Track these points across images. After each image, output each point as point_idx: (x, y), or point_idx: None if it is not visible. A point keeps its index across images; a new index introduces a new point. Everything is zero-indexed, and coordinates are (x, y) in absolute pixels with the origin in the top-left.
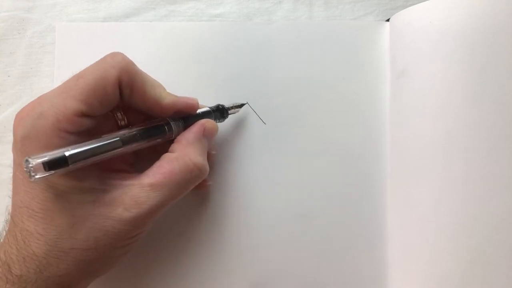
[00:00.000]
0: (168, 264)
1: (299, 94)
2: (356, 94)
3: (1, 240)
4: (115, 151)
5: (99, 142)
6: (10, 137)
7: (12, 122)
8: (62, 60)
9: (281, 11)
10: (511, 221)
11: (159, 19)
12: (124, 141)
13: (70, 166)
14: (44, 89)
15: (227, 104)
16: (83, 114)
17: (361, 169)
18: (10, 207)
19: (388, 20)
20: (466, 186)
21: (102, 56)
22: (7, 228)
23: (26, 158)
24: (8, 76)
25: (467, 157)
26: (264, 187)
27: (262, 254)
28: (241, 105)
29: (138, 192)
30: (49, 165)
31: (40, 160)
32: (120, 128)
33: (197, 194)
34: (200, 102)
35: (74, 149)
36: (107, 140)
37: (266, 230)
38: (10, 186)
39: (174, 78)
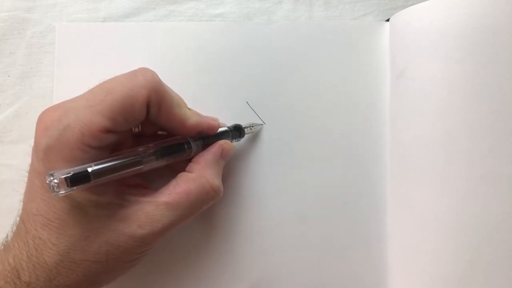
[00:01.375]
0: (167, 264)
1: (299, 94)
2: (356, 94)
3: (7, 243)
4: (135, 168)
5: (121, 160)
6: (10, 137)
7: (12, 122)
8: (62, 60)
9: (281, 11)
10: (511, 221)
11: (159, 19)
12: (145, 160)
13: (91, 182)
14: (44, 89)
15: (244, 123)
16: (108, 130)
17: (361, 169)
18: (20, 211)
19: (388, 20)
20: (466, 186)
21: (102, 56)
22: (16, 230)
23: (51, 172)
24: (8, 76)
25: (467, 157)
26: (263, 188)
27: (262, 254)
28: (258, 125)
29: (153, 210)
30: (72, 181)
31: (64, 176)
32: (134, 135)
33: None
34: (200, 102)
35: (97, 165)
36: (128, 158)
37: (266, 230)
38: (11, 186)
39: (174, 78)
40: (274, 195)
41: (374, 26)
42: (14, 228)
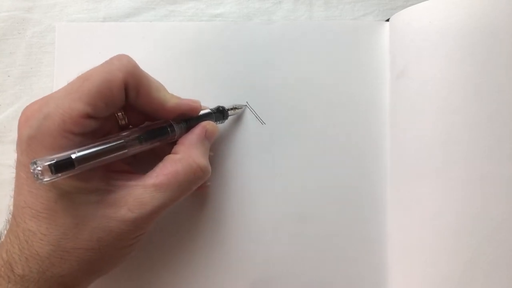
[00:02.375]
0: (168, 264)
1: (299, 94)
2: (356, 94)
3: (2, 239)
4: (120, 153)
5: (105, 145)
6: (10, 137)
7: (12, 122)
8: (62, 60)
9: (281, 11)
10: (511, 221)
11: (159, 19)
12: (129, 144)
13: (76, 168)
14: (44, 89)
15: (227, 105)
16: (89, 116)
17: (361, 169)
18: (11, 206)
19: (388, 20)
20: (466, 186)
21: (102, 56)
22: (8, 227)
23: (34, 160)
24: (8, 76)
25: (467, 157)
26: (263, 187)
27: (262, 254)
28: (241, 107)
29: (141, 193)
30: (56, 168)
31: (47, 163)
32: (121, 127)
33: (196, 194)
34: (201, 102)
35: (80, 151)
36: (112, 143)
37: (265, 230)
38: (11, 186)
39: (174, 77)
40: (274, 195)
41: (374, 26)
42: (7, 224)
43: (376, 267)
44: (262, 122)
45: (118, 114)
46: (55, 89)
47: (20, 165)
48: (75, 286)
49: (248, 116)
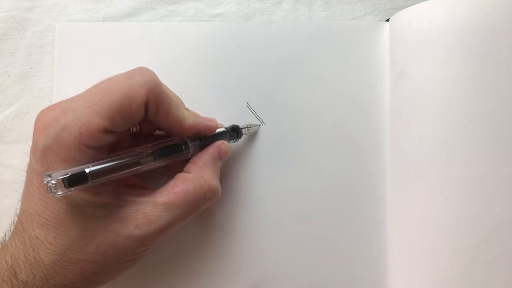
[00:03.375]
0: (167, 265)
1: (299, 94)
2: (356, 94)
3: (5, 242)
4: (133, 169)
5: (119, 161)
6: (10, 137)
7: (12, 122)
8: (62, 60)
9: (281, 11)
10: (511, 221)
11: (159, 19)
12: (143, 161)
13: (89, 183)
14: (44, 89)
15: (241, 124)
16: (106, 130)
17: (361, 169)
18: (18, 210)
19: (388, 20)
20: (466, 186)
21: (102, 56)
22: (13, 229)
23: (48, 173)
24: (8, 76)
25: (467, 157)
26: (263, 187)
27: (261, 254)
28: (255, 125)
29: (151, 210)
30: (70, 183)
31: (61, 177)
32: (132, 134)
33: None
34: (200, 102)
35: (95, 166)
36: (126, 159)
37: (265, 230)
38: (11, 186)
39: (174, 77)
40: (274, 195)
41: (374, 26)
42: (12, 227)
43: (376, 267)
44: (262, 122)
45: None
46: (55, 89)
47: (33, 172)
48: None
49: (248, 116)
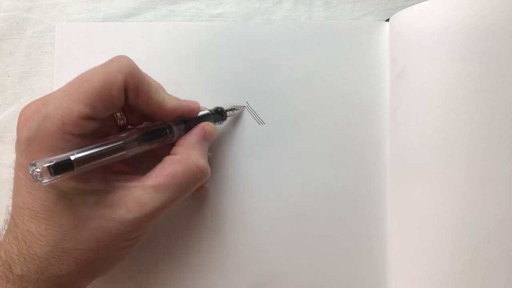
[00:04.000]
0: (167, 265)
1: (299, 94)
2: (356, 94)
3: (1, 239)
4: (119, 154)
5: (104, 146)
6: (10, 137)
7: (12, 122)
8: (62, 60)
9: (280, 11)
10: (511, 221)
11: (159, 19)
12: (128, 145)
13: (75, 170)
14: (44, 89)
15: (225, 106)
16: (88, 117)
17: (361, 169)
18: (10, 207)
19: (388, 20)
20: (466, 186)
21: (102, 56)
22: (7, 227)
23: (33, 162)
24: (8, 76)
25: (467, 157)
26: (263, 187)
27: (261, 254)
28: (239, 107)
29: (140, 194)
30: (55, 170)
31: (46, 165)
32: (120, 127)
33: (195, 196)
34: (200, 102)
35: (79, 153)
36: (111, 144)
37: (265, 230)
38: (10, 186)
39: (174, 78)
40: (274, 195)
41: (374, 26)
42: (6, 225)
43: (376, 267)
44: (262, 122)
45: (117, 114)
46: (55, 89)
47: (19, 166)
48: (73, 286)
49: (247, 116)
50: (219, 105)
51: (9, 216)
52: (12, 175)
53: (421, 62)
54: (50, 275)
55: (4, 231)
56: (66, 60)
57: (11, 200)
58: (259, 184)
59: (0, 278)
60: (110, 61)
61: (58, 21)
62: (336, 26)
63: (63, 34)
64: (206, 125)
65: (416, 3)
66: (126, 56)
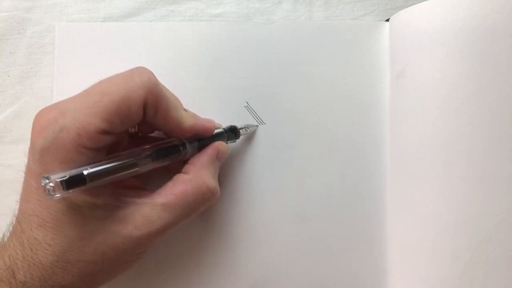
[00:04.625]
0: (167, 264)
1: (299, 94)
2: (356, 94)
3: (4, 242)
4: (131, 171)
5: (117, 162)
6: (10, 137)
7: (12, 122)
8: (62, 60)
9: (280, 11)
10: (511, 221)
11: (159, 19)
12: (141, 162)
13: (87, 185)
14: (44, 89)
15: (239, 124)
16: (104, 132)
17: (361, 169)
18: (16, 211)
19: (388, 20)
20: (466, 186)
21: (102, 56)
22: (12, 230)
23: (46, 175)
24: (8, 76)
25: (467, 157)
26: (263, 187)
27: (261, 254)
28: (253, 126)
29: (149, 211)
30: (68, 185)
31: (59, 179)
32: (130, 135)
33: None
34: (200, 102)
35: (93, 168)
36: (124, 161)
37: (265, 230)
38: (11, 186)
39: (174, 77)
40: (274, 195)
41: (374, 26)
42: (11, 228)
43: (376, 267)
44: (262, 122)
45: (131, 128)
46: (55, 89)
47: (31, 174)
48: None
49: (248, 116)
50: (234, 123)
51: (14, 219)
52: (14, 176)
53: (421, 62)
54: (53, 284)
55: (8, 233)
56: (66, 60)
57: (9, 199)
58: (259, 184)
59: (3, 283)
60: (131, 73)
61: (58, 21)
62: (336, 26)
63: (63, 34)
64: (220, 144)
65: (416, 3)
66: (148, 70)
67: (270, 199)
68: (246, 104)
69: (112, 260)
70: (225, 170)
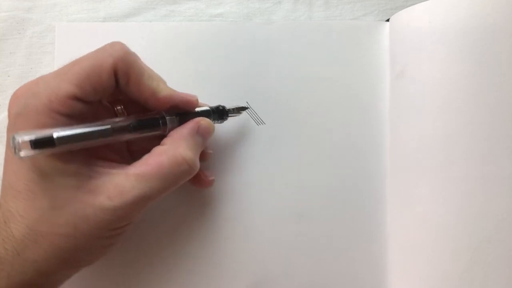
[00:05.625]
0: (166, 264)
1: (299, 94)
2: (356, 94)
3: None
4: (104, 138)
5: (89, 128)
6: None
7: None
8: (62, 60)
9: (281, 11)
10: (511, 221)
11: (159, 19)
12: (115, 130)
13: (56, 147)
14: None
15: (228, 105)
16: (76, 98)
17: (361, 169)
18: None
19: (388, 20)
20: (466, 186)
21: None
22: None
23: (13, 134)
24: (8, 76)
25: (467, 156)
26: (263, 187)
27: (261, 254)
28: (242, 109)
29: (122, 181)
30: (36, 144)
31: (26, 138)
32: (115, 113)
33: (197, 191)
34: (200, 101)
35: (63, 131)
36: (97, 127)
37: (265, 230)
38: None
39: (173, 78)
40: (273, 195)
41: (374, 26)
42: None
43: (376, 267)
44: (262, 122)
45: (117, 108)
46: None
47: (7, 144)
48: (51, 274)
49: (248, 116)
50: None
51: None
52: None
53: (421, 62)
54: (26, 258)
55: None
56: (66, 60)
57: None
58: (259, 184)
59: None
60: (104, 46)
61: (58, 21)
62: (336, 26)
63: (63, 34)
64: (202, 119)
65: (416, 3)
66: (120, 42)
67: (270, 199)
68: (246, 104)
69: (87, 234)
70: (225, 170)
